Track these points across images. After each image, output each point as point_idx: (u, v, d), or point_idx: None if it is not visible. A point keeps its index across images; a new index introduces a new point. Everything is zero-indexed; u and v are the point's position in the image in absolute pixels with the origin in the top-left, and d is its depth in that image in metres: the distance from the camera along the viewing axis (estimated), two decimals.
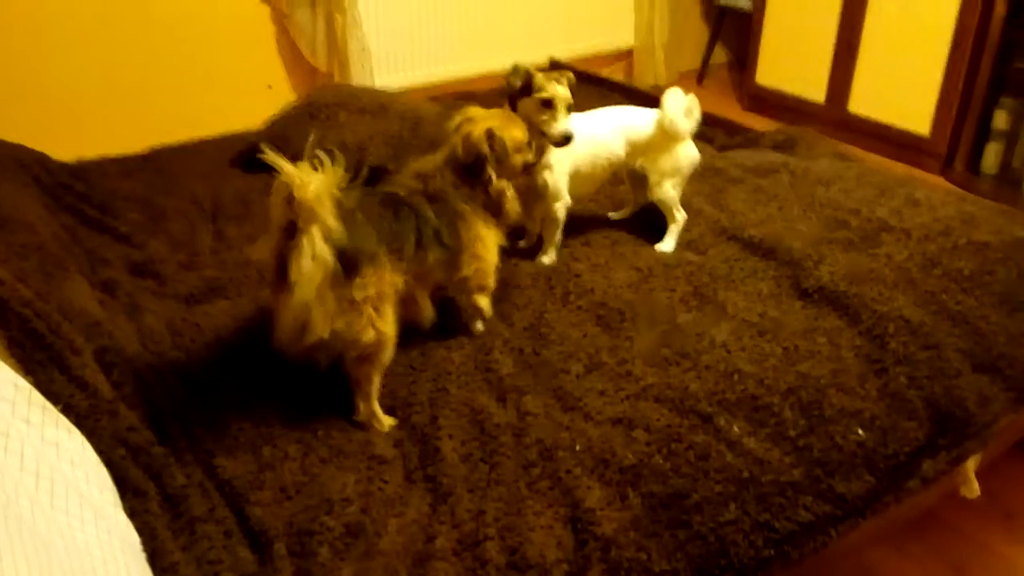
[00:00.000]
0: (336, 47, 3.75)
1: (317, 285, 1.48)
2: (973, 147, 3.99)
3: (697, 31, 5.24)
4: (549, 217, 2.13)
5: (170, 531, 1.33)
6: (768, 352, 1.73)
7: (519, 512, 1.41)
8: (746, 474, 1.48)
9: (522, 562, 1.33)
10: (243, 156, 2.68)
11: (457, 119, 1.84)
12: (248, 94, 3.72)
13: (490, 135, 1.78)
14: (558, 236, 2.15)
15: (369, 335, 1.58)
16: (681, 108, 2.11)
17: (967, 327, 1.83)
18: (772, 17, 4.54)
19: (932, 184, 2.52)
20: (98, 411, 1.42)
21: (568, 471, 1.48)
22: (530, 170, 1.96)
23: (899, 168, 3.32)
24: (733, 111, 4.58)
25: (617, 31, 4.86)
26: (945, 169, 4.04)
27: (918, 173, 3.59)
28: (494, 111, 1.87)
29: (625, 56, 4.95)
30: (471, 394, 1.66)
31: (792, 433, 1.57)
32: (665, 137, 2.14)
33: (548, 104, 1.93)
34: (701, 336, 1.78)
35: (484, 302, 1.86)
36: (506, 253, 1.97)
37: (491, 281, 1.87)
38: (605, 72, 4.27)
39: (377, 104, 2.76)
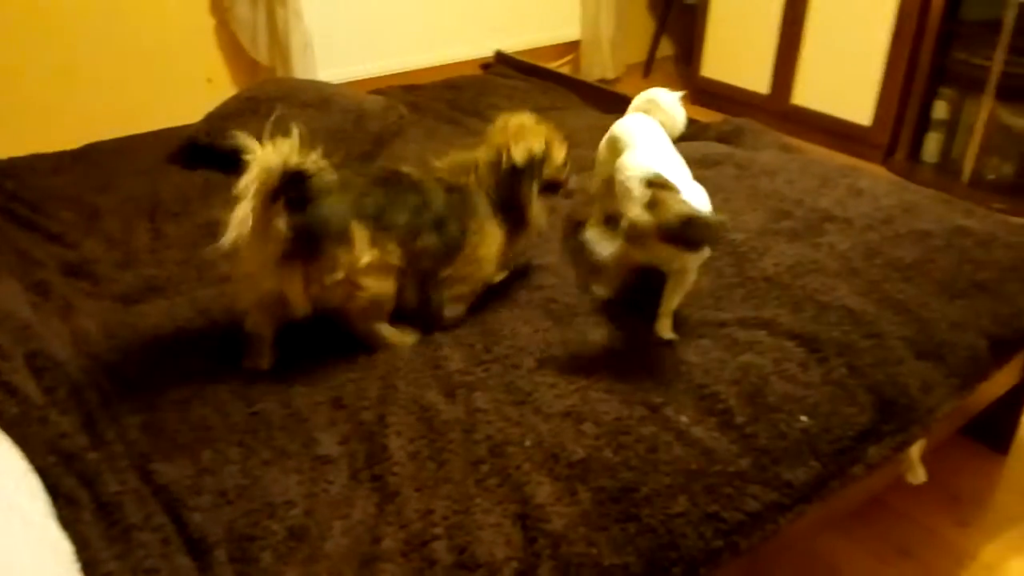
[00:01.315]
0: (278, 40, 3.68)
1: (269, 258, 1.58)
2: (914, 137, 4.06)
3: (643, 24, 5.26)
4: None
5: (104, 540, 1.30)
6: (712, 343, 1.73)
7: (468, 510, 1.39)
8: (694, 465, 1.48)
9: (471, 561, 1.31)
10: (182, 151, 2.62)
11: (507, 122, 1.85)
12: (187, 88, 3.64)
13: (544, 154, 1.83)
14: None
15: (357, 301, 1.68)
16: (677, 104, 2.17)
17: (909, 315, 1.86)
18: (716, 10, 4.57)
19: (874, 174, 2.55)
20: (28, 418, 1.38)
21: (518, 467, 1.46)
22: (555, 189, 1.95)
23: (842, 158, 3.36)
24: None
25: (563, 24, 4.85)
26: (887, 159, 4.11)
27: (861, 163, 3.64)
28: (543, 125, 1.88)
29: (572, 49, 4.95)
30: (420, 391, 1.64)
31: (738, 421, 1.57)
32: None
33: None
34: (646, 329, 1.78)
35: (455, 310, 1.83)
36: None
37: (470, 290, 1.84)
38: (553, 65, 4.27)
39: (320, 97, 2.72)
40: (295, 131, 1.56)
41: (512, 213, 1.85)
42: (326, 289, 1.65)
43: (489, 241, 1.81)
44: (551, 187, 1.93)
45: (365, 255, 1.66)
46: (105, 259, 2.11)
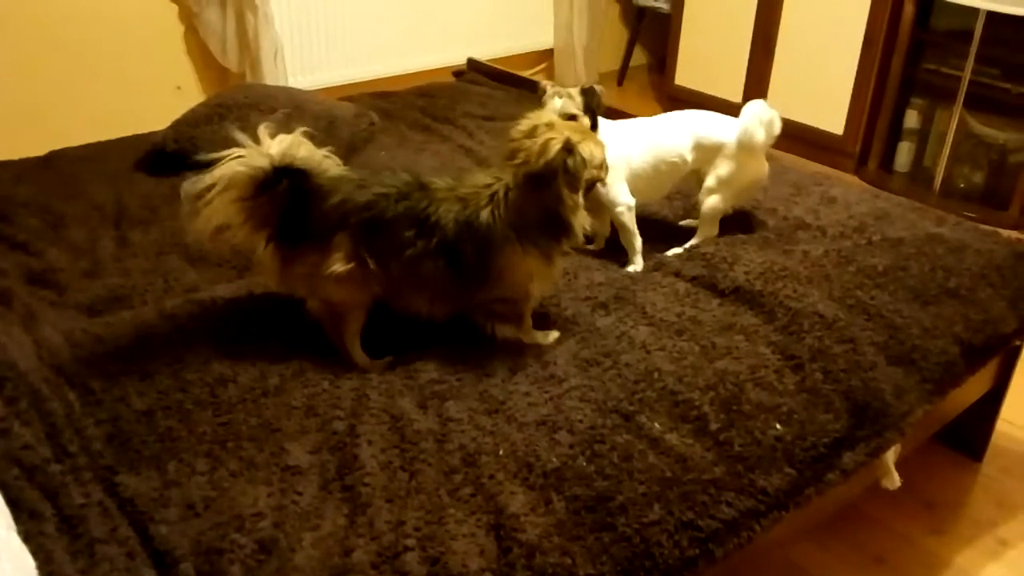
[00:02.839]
0: (248, 47, 3.65)
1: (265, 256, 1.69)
2: (886, 146, 4.11)
3: (617, 32, 5.28)
4: (618, 224, 2.09)
5: (68, 554, 1.27)
6: (686, 350, 1.72)
7: (440, 521, 1.37)
8: (669, 473, 1.47)
9: (444, 572, 1.29)
10: (149, 159, 2.59)
11: (530, 123, 1.68)
12: (155, 95, 3.60)
13: (569, 147, 1.63)
14: (637, 242, 2.10)
15: (320, 304, 1.72)
16: (759, 120, 2.07)
17: (881, 321, 1.86)
18: (690, 19, 4.59)
19: (847, 182, 2.57)
20: None
21: (491, 476, 1.45)
22: (591, 188, 1.81)
23: (815, 167, 3.38)
24: (653, 112, 4.60)
25: (537, 32, 4.86)
26: (859, 168, 4.14)
27: (834, 172, 3.66)
28: (572, 123, 1.77)
29: (546, 57, 4.95)
30: (392, 400, 1.62)
31: (712, 428, 1.56)
32: (740, 147, 2.09)
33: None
34: (621, 337, 1.77)
35: (508, 331, 1.79)
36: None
37: (515, 312, 1.77)
38: (527, 73, 4.27)
39: (291, 104, 2.69)
40: (299, 129, 1.69)
41: (549, 224, 1.68)
42: (292, 277, 1.72)
43: (515, 266, 1.69)
44: (590, 187, 1.76)
45: (336, 265, 1.65)
46: (70, 268, 2.07)
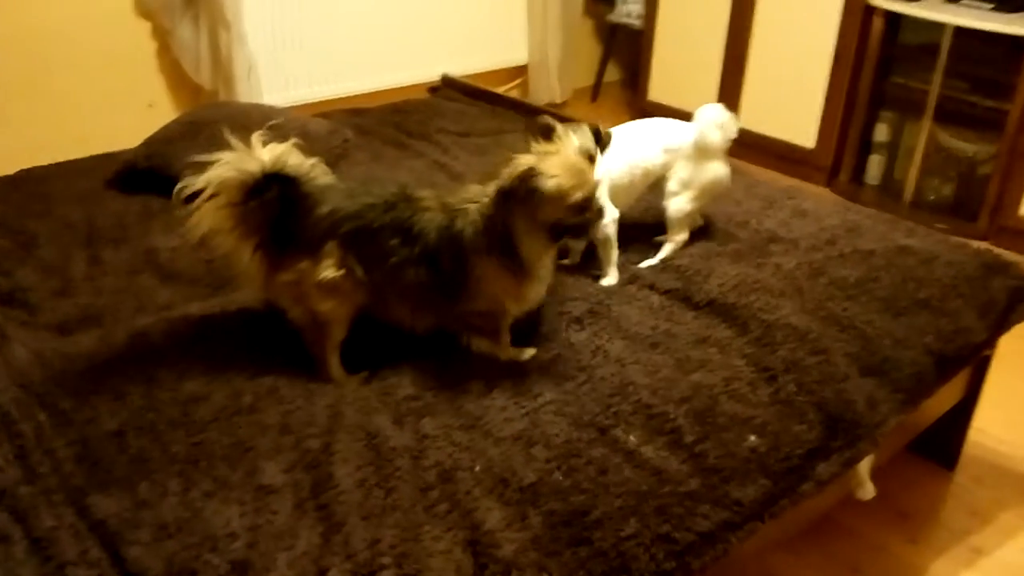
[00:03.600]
0: (221, 64, 3.64)
1: (248, 259, 1.68)
2: (857, 159, 4.15)
3: (590, 49, 5.32)
4: (602, 237, 2.06)
5: None
6: (661, 364, 1.73)
7: (416, 538, 1.36)
8: (644, 487, 1.47)
9: None
10: (120, 176, 2.57)
11: (538, 152, 1.61)
12: (128, 113, 3.57)
13: (526, 176, 1.55)
14: (614, 255, 2.08)
15: (303, 312, 1.70)
16: (714, 122, 2.11)
17: (854, 332, 1.88)
18: (662, 35, 4.64)
19: (819, 195, 2.60)
20: None
21: (467, 492, 1.44)
22: (581, 233, 1.75)
23: (787, 180, 3.41)
24: None
25: (510, 48, 4.88)
26: (831, 181, 4.18)
27: (805, 185, 3.69)
28: (573, 158, 1.61)
29: (520, 73, 4.97)
30: (368, 417, 1.61)
31: (687, 440, 1.57)
32: (696, 149, 2.13)
33: None
34: (596, 351, 1.77)
35: (484, 346, 1.79)
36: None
37: (490, 327, 1.77)
38: (501, 89, 4.28)
39: (263, 120, 2.67)
40: (291, 139, 1.70)
41: (508, 251, 1.64)
42: (278, 285, 1.71)
43: (488, 280, 1.67)
44: (574, 231, 1.69)
45: (327, 272, 1.66)
46: (41, 287, 2.05)
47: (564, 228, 1.64)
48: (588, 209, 1.62)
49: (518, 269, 1.66)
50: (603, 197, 2.04)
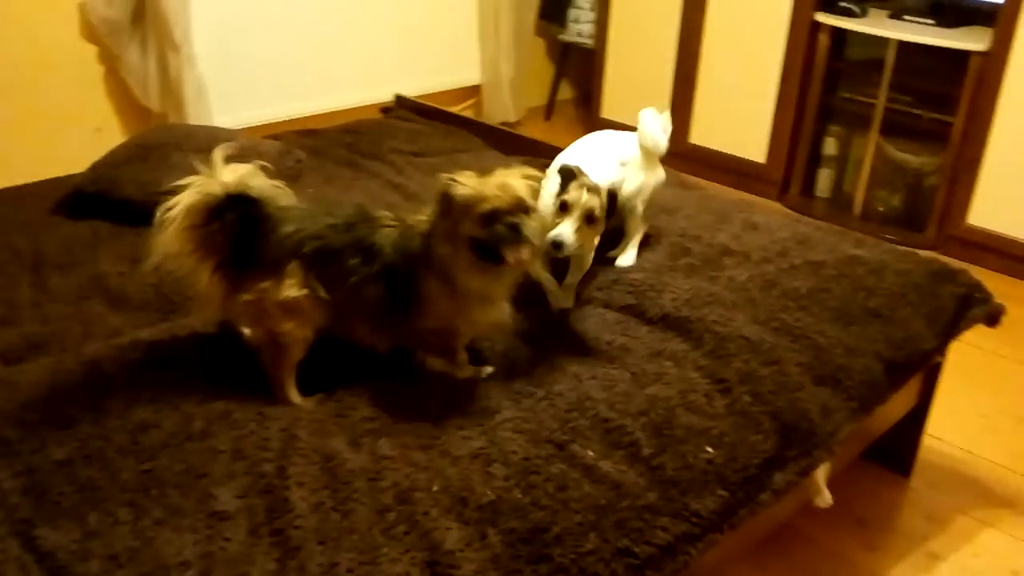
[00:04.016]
0: (170, 87, 3.60)
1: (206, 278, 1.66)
2: (807, 172, 4.22)
3: (543, 68, 5.35)
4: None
5: None
6: (617, 378, 1.74)
7: (374, 560, 1.34)
8: (603, 501, 1.47)
9: None
10: (67, 202, 2.52)
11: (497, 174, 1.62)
12: (74, 137, 3.51)
13: (444, 186, 1.58)
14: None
15: (263, 333, 1.69)
16: (659, 127, 2.12)
17: (806, 342, 1.90)
18: (613, 53, 4.68)
19: (770, 208, 2.63)
20: None
21: (425, 513, 1.43)
22: (494, 251, 1.59)
23: (739, 195, 3.45)
24: None
25: (463, 68, 4.89)
26: (782, 194, 4.25)
27: (757, 199, 3.75)
28: (508, 180, 1.59)
29: (473, 93, 4.99)
30: (323, 439, 1.59)
31: (645, 453, 1.57)
32: (644, 154, 2.12)
33: (563, 207, 1.77)
34: (552, 367, 1.77)
35: (439, 364, 1.78)
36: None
37: (442, 345, 1.76)
38: (455, 109, 4.29)
39: (214, 143, 2.64)
40: (256, 161, 1.69)
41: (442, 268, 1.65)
42: (238, 306, 1.69)
43: (433, 296, 1.67)
44: (487, 246, 1.59)
45: (290, 291, 1.65)
46: None
47: (480, 243, 1.59)
48: (497, 222, 1.56)
49: (453, 288, 1.65)
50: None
